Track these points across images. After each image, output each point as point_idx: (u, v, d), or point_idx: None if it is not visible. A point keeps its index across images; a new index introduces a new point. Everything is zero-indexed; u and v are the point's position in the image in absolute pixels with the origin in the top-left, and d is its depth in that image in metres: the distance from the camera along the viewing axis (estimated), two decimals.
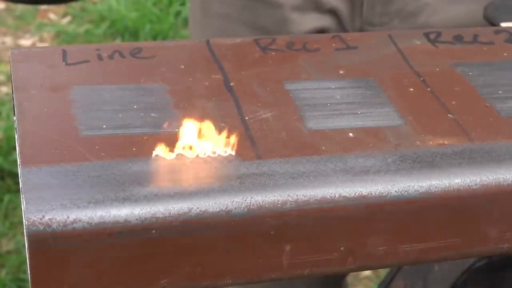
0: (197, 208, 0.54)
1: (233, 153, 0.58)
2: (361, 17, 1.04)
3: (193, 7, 1.14)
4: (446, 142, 0.61)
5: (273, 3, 1.04)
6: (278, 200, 0.55)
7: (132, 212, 0.53)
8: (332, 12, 1.03)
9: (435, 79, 0.69)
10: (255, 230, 0.55)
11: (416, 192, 0.57)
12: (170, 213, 0.53)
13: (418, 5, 1.03)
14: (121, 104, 0.63)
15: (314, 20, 1.03)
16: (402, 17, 1.03)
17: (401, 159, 0.59)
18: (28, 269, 0.53)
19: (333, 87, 0.67)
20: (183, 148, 0.57)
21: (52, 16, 2.75)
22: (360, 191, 0.56)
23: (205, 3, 1.10)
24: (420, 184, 0.57)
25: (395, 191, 0.57)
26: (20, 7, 2.74)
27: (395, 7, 1.03)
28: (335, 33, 0.76)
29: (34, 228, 0.51)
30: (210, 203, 0.54)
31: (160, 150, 0.57)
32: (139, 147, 0.58)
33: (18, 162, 0.56)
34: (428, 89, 0.68)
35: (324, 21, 1.03)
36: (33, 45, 2.59)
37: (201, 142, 0.58)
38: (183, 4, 2.71)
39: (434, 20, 1.03)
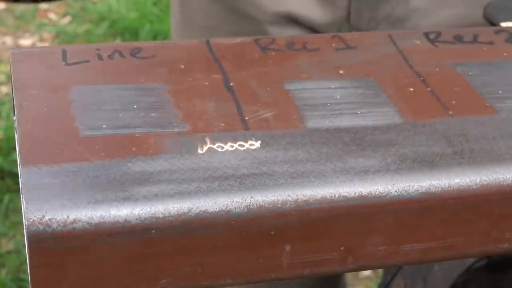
0: (197, 208, 0.54)
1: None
2: (348, 24, 1.03)
3: (174, 20, 1.15)
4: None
5: (252, 18, 1.04)
6: (278, 200, 0.55)
7: (132, 212, 0.53)
8: (311, 28, 1.03)
9: (435, 79, 0.69)
10: (255, 230, 0.55)
11: (416, 192, 0.57)
12: (170, 213, 0.53)
13: (406, 10, 1.01)
14: (121, 104, 0.63)
15: (296, 33, 1.03)
16: (390, 22, 1.02)
17: (401, 159, 0.59)
18: (28, 269, 0.53)
19: (333, 87, 0.67)
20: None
21: (52, 16, 2.75)
22: (360, 191, 0.56)
23: (186, 16, 1.11)
24: (420, 184, 0.57)
25: (395, 191, 0.57)
26: (20, 7, 2.74)
27: (383, 13, 1.02)
28: (335, 33, 0.75)
29: (34, 228, 0.51)
30: (210, 203, 0.54)
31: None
32: (139, 147, 0.58)
33: (18, 162, 0.56)
34: (428, 89, 0.67)
35: (306, 33, 1.03)
36: (33, 45, 2.59)
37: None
38: None
39: (423, 26, 1.02)
